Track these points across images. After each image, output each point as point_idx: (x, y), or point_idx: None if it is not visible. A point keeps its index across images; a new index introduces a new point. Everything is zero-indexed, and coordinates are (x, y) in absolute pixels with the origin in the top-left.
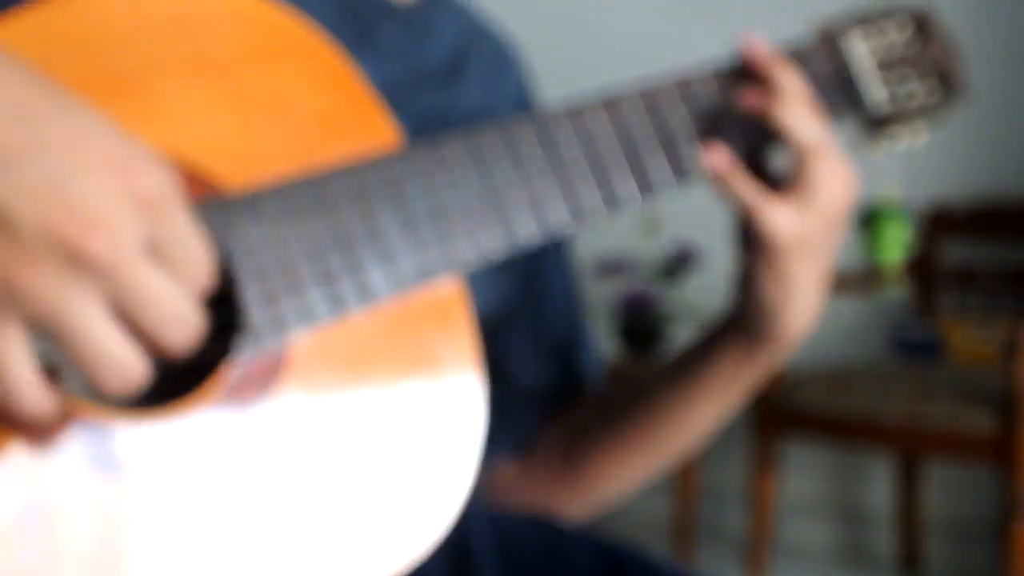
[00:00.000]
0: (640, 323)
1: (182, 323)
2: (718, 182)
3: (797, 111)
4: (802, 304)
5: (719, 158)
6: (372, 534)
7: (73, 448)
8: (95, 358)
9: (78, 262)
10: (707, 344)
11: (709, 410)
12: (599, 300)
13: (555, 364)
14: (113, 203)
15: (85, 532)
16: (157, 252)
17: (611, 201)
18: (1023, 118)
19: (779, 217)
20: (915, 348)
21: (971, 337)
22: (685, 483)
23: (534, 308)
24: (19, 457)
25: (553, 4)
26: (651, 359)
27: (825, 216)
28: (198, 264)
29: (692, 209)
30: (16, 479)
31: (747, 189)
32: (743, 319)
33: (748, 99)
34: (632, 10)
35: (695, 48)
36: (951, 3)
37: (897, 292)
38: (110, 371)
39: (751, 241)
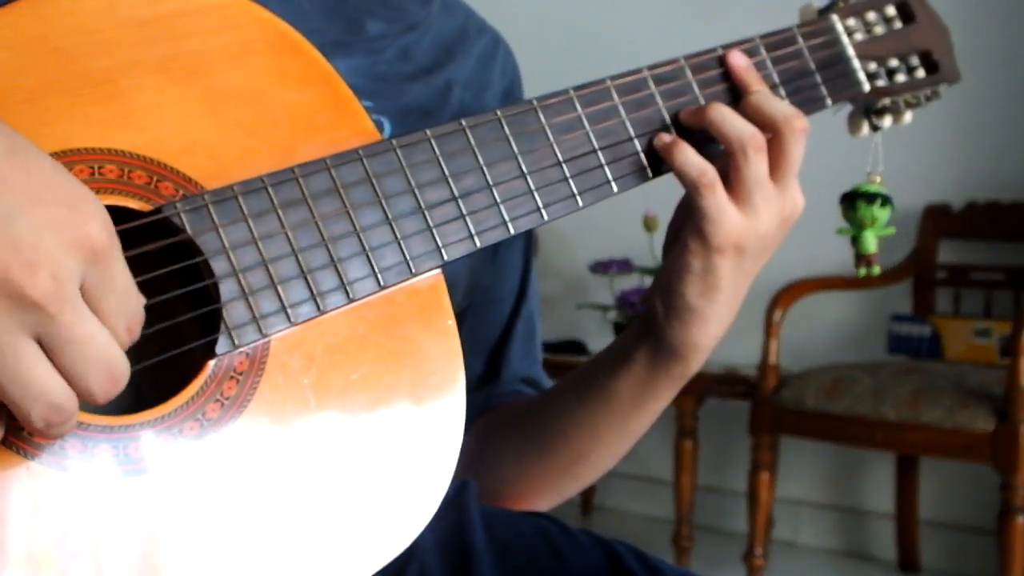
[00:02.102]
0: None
1: (103, 368)
2: (664, 154)
3: (726, 114)
4: (717, 314)
5: (663, 135)
6: (359, 527)
7: (103, 454)
8: (23, 393)
9: (18, 300)
10: (617, 353)
11: (614, 426)
12: (597, 298)
13: (482, 362)
14: (58, 247)
15: (126, 538)
16: (92, 298)
17: (586, 194)
18: (1019, 121)
19: (724, 202)
20: (911, 344)
21: (967, 337)
22: (685, 483)
23: (481, 306)
24: (50, 470)
25: (553, 4)
26: None
27: (766, 226)
28: (129, 314)
29: None
30: (53, 493)
31: (694, 162)
32: (656, 324)
33: (683, 113)
34: (632, 11)
35: (695, 49)
36: (950, 4)
37: (871, 274)
38: (38, 407)
39: (687, 232)
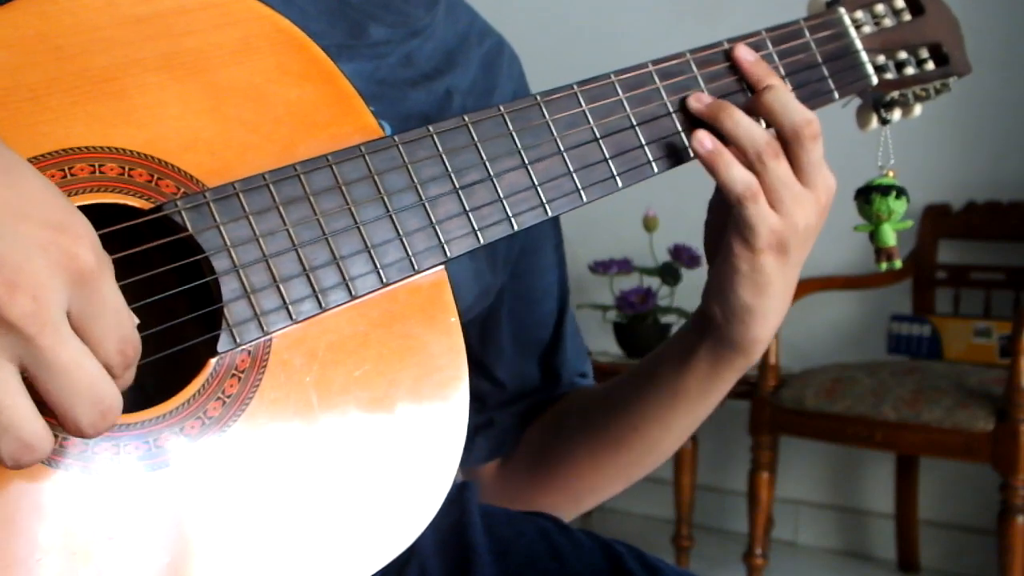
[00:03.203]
0: (638, 322)
1: (91, 399)
2: (707, 164)
3: (739, 120)
4: (773, 308)
5: (704, 139)
6: (361, 526)
7: (104, 452)
8: None
9: None
10: (679, 351)
11: (683, 417)
12: (597, 298)
13: (535, 366)
14: (44, 267)
15: (127, 537)
16: (79, 319)
17: (590, 188)
18: (1019, 121)
19: (765, 209)
20: (911, 344)
21: (967, 337)
22: (685, 483)
23: (519, 309)
24: (50, 468)
25: (553, 5)
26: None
27: (803, 221)
28: (122, 338)
29: (691, 208)
30: (55, 491)
31: (740, 176)
32: (715, 324)
33: (693, 101)
34: (632, 10)
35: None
36: (950, 4)
37: (892, 268)
38: (6, 440)
39: (731, 237)
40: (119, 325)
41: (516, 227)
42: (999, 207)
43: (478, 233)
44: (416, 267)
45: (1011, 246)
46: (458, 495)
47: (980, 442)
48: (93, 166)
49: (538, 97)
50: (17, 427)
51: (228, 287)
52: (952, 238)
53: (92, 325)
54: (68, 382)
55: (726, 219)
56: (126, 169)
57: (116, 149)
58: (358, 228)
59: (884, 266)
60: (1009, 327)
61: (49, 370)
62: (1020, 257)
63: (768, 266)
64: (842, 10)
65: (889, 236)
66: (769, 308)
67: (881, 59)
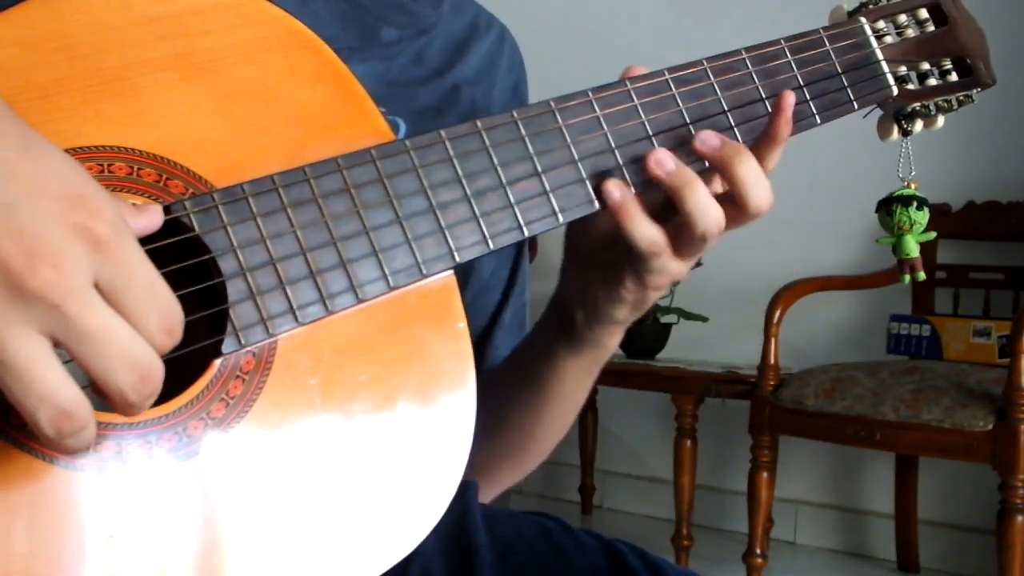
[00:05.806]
0: (638, 321)
1: (128, 363)
2: (614, 214)
3: (700, 195)
4: (623, 303)
5: (613, 190)
6: (366, 530)
7: (106, 451)
8: (26, 391)
9: (20, 292)
10: (539, 350)
11: (557, 406)
12: None
13: None
14: (63, 238)
15: (128, 539)
16: (109, 292)
17: (601, 198)
18: (1019, 121)
19: (668, 260)
20: (911, 344)
21: (967, 336)
22: (685, 483)
23: (473, 291)
24: (57, 468)
25: (554, 5)
26: (648, 355)
27: (691, 241)
28: (162, 311)
29: None
30: (60, 491)
31: (644, 234)
32: (578, 330)
33: (655, 168)
34: (633, 13)
35: (695, 51)
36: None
37: (916, 279)
38: (44, 409)
39: (625, 274)
40: (154, 296)
41: (527, 233)
42: (998, 207)
43: (488, 240)
44: (424, 272)
45: (1010, 246)
46: (459, 495)
47: (979, 442)
48: (102, 165)
49: (552, 103)
50: (53, 395)
51: (234, 288)
52: (951, 238)
53: (125, 298)
54: (101, 347)
55: (615, 240)
56: (135, 169)
57: (125, 148)
58: (366, 232)
59: (907, 278)
60: (1008, 327)
61: (80, 338)
62: (1019, 257)
63: (653, 298)
64: (863, 20)
65: (912, 247)
66: (635, 317)
67: (902, 70)
